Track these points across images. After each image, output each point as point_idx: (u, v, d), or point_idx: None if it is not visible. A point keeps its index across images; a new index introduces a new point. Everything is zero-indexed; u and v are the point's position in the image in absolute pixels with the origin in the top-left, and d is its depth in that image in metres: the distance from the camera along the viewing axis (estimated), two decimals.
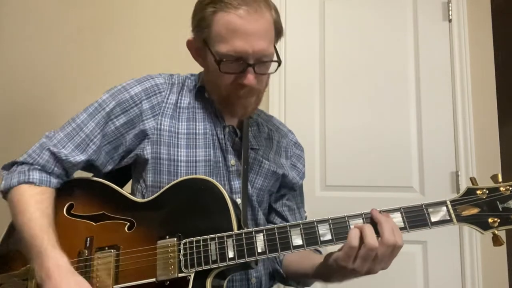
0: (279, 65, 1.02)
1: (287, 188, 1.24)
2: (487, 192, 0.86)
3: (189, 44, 1.08)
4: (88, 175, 1.09)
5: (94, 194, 1.04)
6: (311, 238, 0.88)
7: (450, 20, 2.15)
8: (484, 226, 0.84)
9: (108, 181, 1.06)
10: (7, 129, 2.33)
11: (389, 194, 2.08)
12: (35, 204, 0.96)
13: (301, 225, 0.89)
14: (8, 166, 1.05)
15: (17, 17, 2.44)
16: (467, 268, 1.97)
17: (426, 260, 2.02)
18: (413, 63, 2.16)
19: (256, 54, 0.96)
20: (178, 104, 1.09)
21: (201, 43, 1.02)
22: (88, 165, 1.06)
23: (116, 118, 1.04)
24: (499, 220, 0.83)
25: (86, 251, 0.97)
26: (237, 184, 1.09)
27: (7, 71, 2.40)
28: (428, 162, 2.08)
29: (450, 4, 2.15)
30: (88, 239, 0.98)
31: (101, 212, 1.01)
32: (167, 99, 1.08)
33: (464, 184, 2.02)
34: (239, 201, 1.05)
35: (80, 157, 1.01)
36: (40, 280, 0.89)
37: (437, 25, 2.16)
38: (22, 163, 1.02)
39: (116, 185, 1.06)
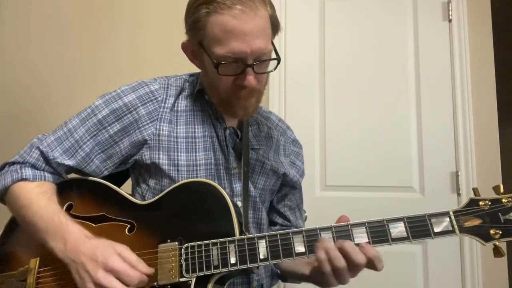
0: (278, 62, 1.00)
1: (289, 187, 1.24)
2: (490, 203, 0.85)
3: (184, 46, 1.05)
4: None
5: (94, 195, 1.03)
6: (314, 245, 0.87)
7: (450, 20, 2.15)
8: (485, 237, 0.84)
9: (106, 180, 1.05)
10: (5, 129, 2.32)
11: (389, 194, 2.09)
12: (39, 195, 0.96)
13: (303, 232, 0.89)
14: (0, 168, 1.04)
15: (17, 17, 2.43)
16: (467, 268, 1.98)
17: (426, 260, 2.03)
18: (413, 63, 2.17)
19: (254, 53, 0.94)
20: (175, 108, 1.07)
21: (196, 45, 1.00)
22: (78, 171, 1.04)
23: (109, 126, 1.02)
24: (500, 232, 0.83)
25: None
26: (238, 186, 1.08)
27: (6, 71, 2.40)
28: (428, 162, 2.08)
29: (450, 4, 2.15)
30: None
31: (101, 213, 1.00)
32: (164, 103, 1.05)
33: (464, 184, 2.02)
34: (239, 204, 1.05)
35: (68, 162, 1.00)
36: (65, 253, 0.87)
37: (437, 25, 2.16)
38: (13, 163, 1.02)
39: (114, 184, 1.05)
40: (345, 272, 0.85)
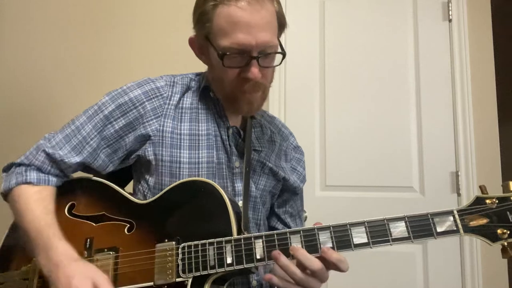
0: (283, 57, 1.00)
1: (290, 192, 1.23)
2: (497, 201, 0.82)
3: (191, 41, 1.06)
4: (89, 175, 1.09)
5: (96, 195, 1.04)
6: (311, 245, 0.86)
7: (450, 20, 2.15)
8: (493, 237, 0.80)
9: (110, 180, 1.06)
10: (6, 129, 2.33)
11: (389, 194, 2.09)
12: (36, 202, 0.96)
13: (301, 232, 0.87)
14: (7, 168, 1.05)
15: (17, 17, 2.44)
16: (467, 268, 1.98)
17: (426, 260, 2.03)
18: (413, 63, 2.17)
19: (259, 46, 0.94)
20: (180, 105, 1.07)
21: (203, 39, 1.00)
22: (85, 167, 1.05)
23: (115, 121, 1.02)
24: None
25: (86, 253, 0.96)
26: (240, 186, 1.07)
27: (7, 71, 2.40)
28: (428, 162, 2.08)
29: (450, 4, 2.15)
30: (88, 240, 0.97)
31: (102, 212, 1.00)
32: (169, 100, 1.06)
33: (464, 184, 2.02)
34: (240, 203, 1.04)
35: (75, 159, 1.01)
36: (48, 271, 0.87)
37: (437, 25, 2.16)
38: (19, 164, 1.02)
39: (118, 184, 1.05)
40: (309, 280, 0.85)
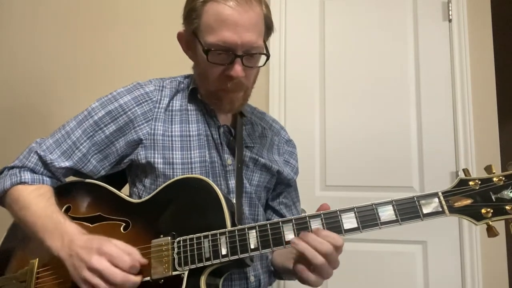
0: (267, 58, 1.03)
1: (284, 185, 1.25)
2: (480, 183, 0.85)
3: (180, 36, 1.08)
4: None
5: (91, 196, 1.06)
6: None
7: (450, 20, 2.14)
8: (477, 217, 0.83)
9: (106, 183, 1.07)
10: (6, 129, 2.34)
11: (389, 194, 2.04)
12: (37, 197, 0.98)
13: (293, 220, 0.90)
14: None
15: (16, 17, 2.45)
16: (467, 268, 1.97)
17: (426, 260, 2.02)
18: (413, 63, 2.16)
19: (244, 45, 0.97)
20: (170, 108, 1.09)
21: (190, 35, 1.03)
22: (76, 172, 1.06)
23: (105, 126, 1.04)
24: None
25: None
26: (234, 183, 1.09)
27: (6, 71, 2.41)
28: (428, 162, 2.08)
29: (450, 4, 2.14)
30: None
31: (98, 213, 1.02)
32: (159, 104, 1.07)
33: None
34: (234, 200, 1.05)
35: (65, 164, 1.02)
36: (61, 249, 0.89)
37: (437, 25, 2.16)
38: (12, 167, 1.04)
39: (114, 187, 1.07)
40: (326, 265, 0.87)
